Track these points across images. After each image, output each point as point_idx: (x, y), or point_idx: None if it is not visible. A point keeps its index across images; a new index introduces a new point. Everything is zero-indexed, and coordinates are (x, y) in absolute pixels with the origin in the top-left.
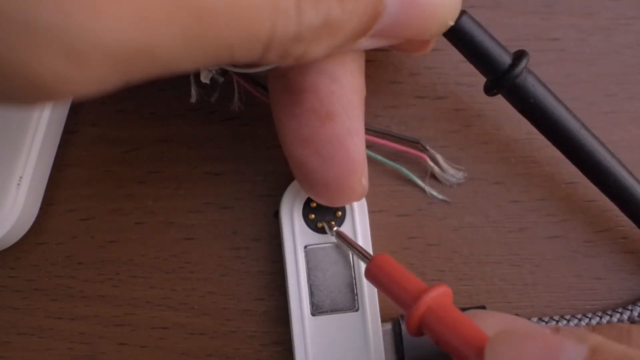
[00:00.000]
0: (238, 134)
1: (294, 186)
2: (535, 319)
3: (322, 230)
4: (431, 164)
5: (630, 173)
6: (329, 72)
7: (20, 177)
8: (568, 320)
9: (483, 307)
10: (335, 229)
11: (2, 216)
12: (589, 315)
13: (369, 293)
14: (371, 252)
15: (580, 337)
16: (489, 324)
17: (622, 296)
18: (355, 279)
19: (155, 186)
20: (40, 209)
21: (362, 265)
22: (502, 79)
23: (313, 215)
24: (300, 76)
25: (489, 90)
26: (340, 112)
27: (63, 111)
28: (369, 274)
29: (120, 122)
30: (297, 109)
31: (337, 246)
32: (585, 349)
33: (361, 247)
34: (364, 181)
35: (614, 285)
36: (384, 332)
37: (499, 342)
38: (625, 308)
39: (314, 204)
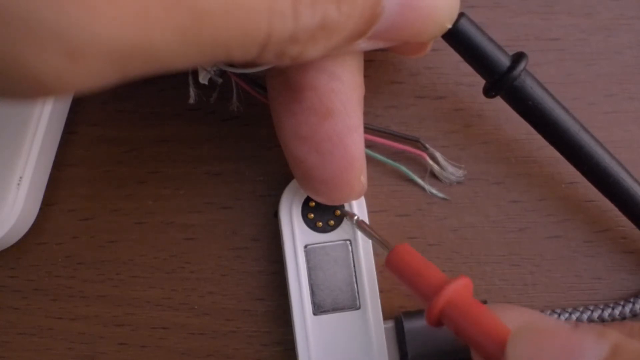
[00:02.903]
0: (238, 134)
1: (292, 185)
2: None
3: (321, 229)
4: (431, 162)
5: (630, 174)
6: (328, 70)
7: (20, 177)
8: (570, 314)
9: (484, 302)
10: (356, 217)
11: (2, 216)
12: (591, 307)
13: (370, 291)
14: (371, 251)
15: (600, 334)
16: (510, 317)
17: (622, 296)
18: (355, 277)
19: (155, 186)
20: (40, 209)
21: (363, 264)
22: (500, 81)
23: (312, 215)
24: (299, 74)
25: (488, 92)
26: (340, 109)
27: (63, 111)
28: (390, 264)
29: (120, 122)
30: (296, 107)
31: (337, 245)
32: (606, 347)
33: (381, 237)
34: (363, 179)
35: (614, 285)
36: (387, 330)
37: (520, 337)
38: (627, 301)
39: (313, 203)
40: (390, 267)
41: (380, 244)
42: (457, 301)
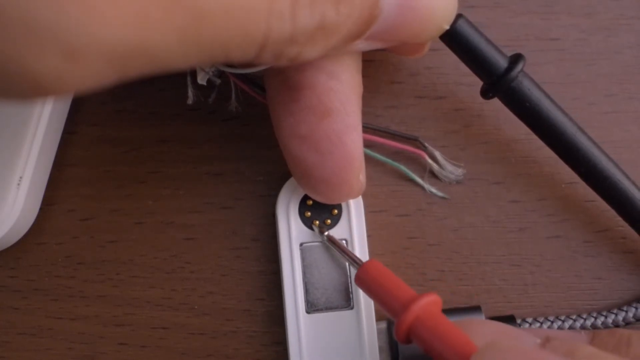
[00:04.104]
0: (238, 134)
1: (290, 184)
2: (530, 319)
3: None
4: (430, 161)
5: (627, 176)
6: (327, 69)
7: (20, 177)
8: (563, 321)
9: (478, 307)
10: (326, 233)
11: (2, 216)
12: (584, 316)
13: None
14: (367, 251)
15: (569, 351)
16: (480, 333)
17: (622, 296)
18: (350, 277)
19: (155, 186)
20: (40, 209)
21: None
22: (498, 83)
23: (309, 213)
24: (297, 73)
25: (485, 94)
26: (338, 108)
27: (63, 111)
28: (359, 281)
29: (120, 122)
30: (295, 106)
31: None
32: None
33: (351, 253)
34: (362, 177)
35: (614, 285)
36: (379, 331)
37: (482, 356)
38: (620, 309)
39: (310, 202)
40: (359, 283)
41: (350, 260)
42: (425, 318)
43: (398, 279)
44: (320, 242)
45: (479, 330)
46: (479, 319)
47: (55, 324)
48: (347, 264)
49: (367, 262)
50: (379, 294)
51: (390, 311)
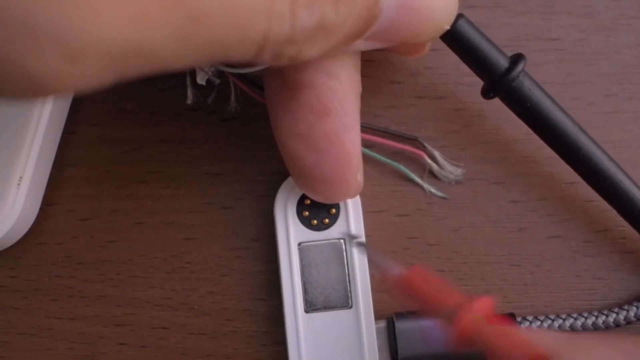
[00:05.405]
0: (238, 134)
1: (288, 183)
2: (531, 317)
3: (316, 227)
4: (429, 161)
5: (628, 176)
6: (326, 69)
7: (20, 177)
8: (564, 320)
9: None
10: (356, 240)
11: (2, 216)
12: (585, 314)
13: (362, 291)
14: None
15: None
16: (538, 338)
17: (621, 296)
18: (348, 276)
19: (155, 186)
20: (40, 209)
21: (357, 263)
22: (498, 83)
23: (307, 213)
24: (296, 72)
25: (486, 93)
26: (337, 108)
27: (63, 111)
28: (403, 285)
29: (120, 122)
30: (293, 105)
31: (331, 244)
32: None
33: (388, 258)
34: (359, 177)
35: (614, 285)
36: (378, 330)
37: (571, 351)
38: (621, 308)
39: (308, 201)
40: (403, 288)
41: (386, 266)
42: (487, 320)
43: (446, 282)
44: (318, 241)
45: (538, 335)
46: (526, 327)
47: (55, 324)
48: (345, 262)
49: (413, 266)
50: (427, 298)
51: (440, 315)
